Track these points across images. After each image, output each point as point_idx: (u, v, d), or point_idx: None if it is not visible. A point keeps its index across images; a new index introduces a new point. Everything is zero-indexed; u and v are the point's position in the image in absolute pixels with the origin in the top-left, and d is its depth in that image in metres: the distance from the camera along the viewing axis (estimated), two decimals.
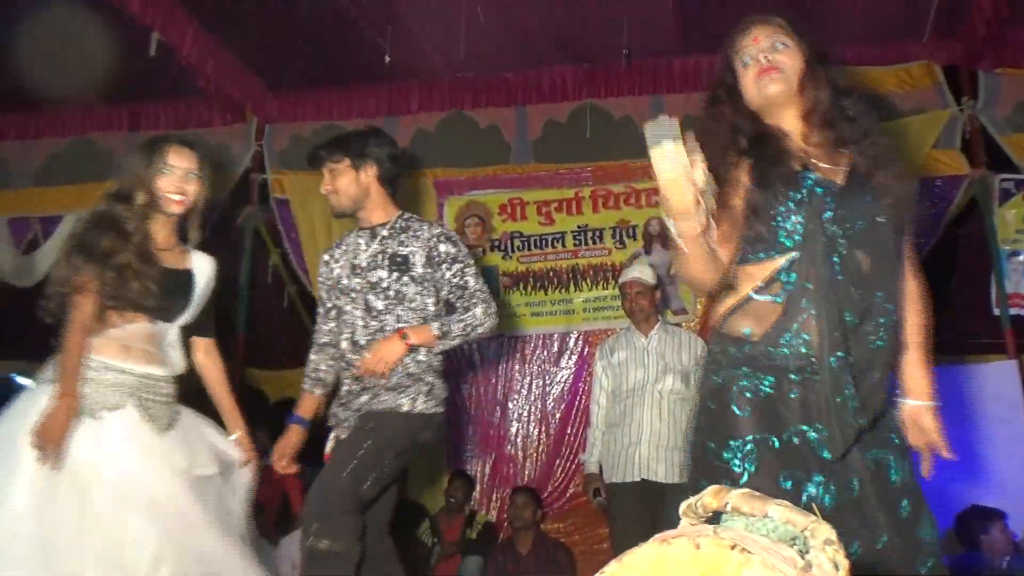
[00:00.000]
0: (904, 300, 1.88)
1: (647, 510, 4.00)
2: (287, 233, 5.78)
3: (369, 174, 2.97)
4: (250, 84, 5.74)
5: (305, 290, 5.86)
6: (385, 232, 2.96)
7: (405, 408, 2.81)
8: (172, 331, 2.80)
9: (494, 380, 5.66)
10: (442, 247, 2.89)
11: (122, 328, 2.63)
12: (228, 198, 5.82)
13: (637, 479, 4.00)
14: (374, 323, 2.88)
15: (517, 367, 5.67)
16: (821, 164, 1.90)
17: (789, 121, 1.98)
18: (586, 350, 5.58)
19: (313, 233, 5.74)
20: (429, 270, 2.88)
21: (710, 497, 1.03)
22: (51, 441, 2.40)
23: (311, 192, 5.76)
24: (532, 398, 5.63)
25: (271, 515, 6.50)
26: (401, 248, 2.90)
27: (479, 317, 2.88)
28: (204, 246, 2.91)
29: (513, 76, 5.79)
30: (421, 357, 2.88)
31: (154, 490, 2.50)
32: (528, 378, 5.65)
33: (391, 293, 2.87)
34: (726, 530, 0.96)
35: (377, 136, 3.05)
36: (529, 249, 5.75)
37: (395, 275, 2.88)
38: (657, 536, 1.03)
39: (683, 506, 1.06)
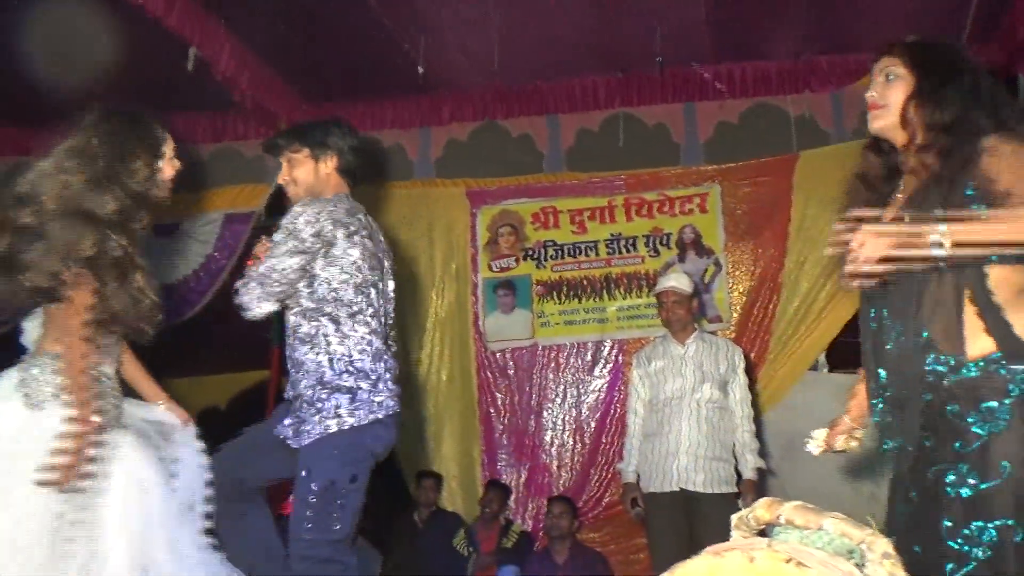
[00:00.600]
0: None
1: (685, 520, 3.98)
2: None
3: (329, 165, 2.82)
4: (285, 97, 5.80)
5: None
6: None
7: (333, 429, 2.56)
8: None
9: (528, 389, 5.65)
10: (285, 218, 2.67)
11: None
12: (263, 210, 5.89)
13: (675, 488, 3.98)
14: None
15: (551, 376, 5.65)
16: (884, 205, 1.99)
17: (903, 152, 2.01)
18: (620, 359, 5.56)
19: None
20: None
21: (762, 509, 1.01)
22: (73, 475, 2.11)
23: None
24: (566, 407, 5.61)
25: None
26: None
27: (241, 289, 2.64)
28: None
29: (545, 85, 5.80)
30: (338, 352, 2.63)
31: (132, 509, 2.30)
32: (562, 387, 5.63)
33: None
34: (781, 543, 0.95)
35: (339, 127, 2.90)
36: (562, 258, 5.75)
37: None
38: (709, 549, 1.02)
39: (735, 518, 1.05)
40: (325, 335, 2.63)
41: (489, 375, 5.69)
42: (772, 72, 5.55)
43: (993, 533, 1.66)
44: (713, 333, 4.81)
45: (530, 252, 5.79)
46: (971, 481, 1.70)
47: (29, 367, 2.27)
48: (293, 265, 2.60)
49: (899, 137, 1.99)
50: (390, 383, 2.67)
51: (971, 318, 1.77)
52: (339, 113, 5.91)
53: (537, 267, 5.77)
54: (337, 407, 2.57)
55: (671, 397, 4.11)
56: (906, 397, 1.82)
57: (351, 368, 2.62)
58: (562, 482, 5.49)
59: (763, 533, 1.11)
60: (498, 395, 5.67)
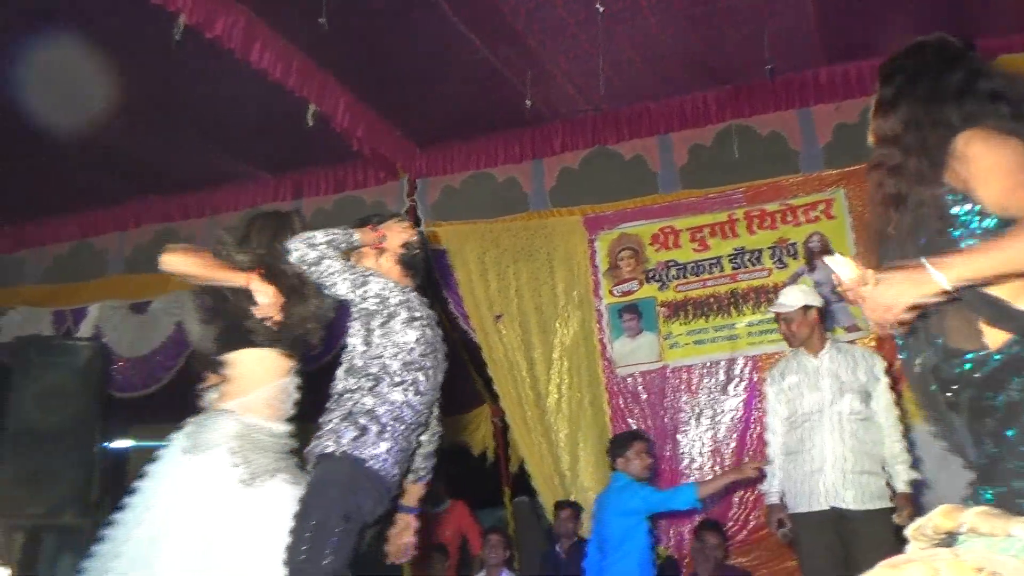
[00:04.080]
0: None
1: (838, 539, 3.83)
2: (445, 282, 5.93)
3: (390, 259, 3.03)
4: (399, 143, 5.99)
5: (467, 336, 5.98)
6: None
7: (330, 450, 2.60)
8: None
9: (662, 413, 5.55)
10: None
11: (274, 384, 2.69)
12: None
13: (824, 507, 3.84)
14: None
15: (684, 398, 5.54)
16: None
17: None
18: (755, 376, 5.40)
19: (470, 280, 5.88)
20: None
21: (942, 517, 0.96)
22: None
23: (466, 240, 5.94)
24: (702, 429, 5.47)
25: (453, 558, 6.61)
26: None
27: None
28: None
29: (654, 105, 5.77)
30: (367, 404, 2.68)
31: None
32: (697, 409, 5.50)
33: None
34: (967, 551, 0.89)
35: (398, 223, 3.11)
36: (686, 277, 5.66)
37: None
38: (885, 562, 0.97)
39: (911, 528, 0.99)
40: (361, 394, 2.66)
41: (621, 401, 5.63)
42: None
43: None
44: (852, 342, 4.63)
45: (652, 274, 5.72)
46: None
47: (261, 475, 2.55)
48: (338, 269, 2.75)
49: None
50: (395, 450, 2.63)
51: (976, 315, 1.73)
52: (452, 153, 6.11)
53: (660, 289, 5.70)
54: (340, 435, 2.57)
55: (810, 412, 3.98)
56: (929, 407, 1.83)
57: (370, 414, 2.62)
58: (704, 506, 5.36)
59: (943, 544, 1.05)
60: (631, 421, 5.59)
